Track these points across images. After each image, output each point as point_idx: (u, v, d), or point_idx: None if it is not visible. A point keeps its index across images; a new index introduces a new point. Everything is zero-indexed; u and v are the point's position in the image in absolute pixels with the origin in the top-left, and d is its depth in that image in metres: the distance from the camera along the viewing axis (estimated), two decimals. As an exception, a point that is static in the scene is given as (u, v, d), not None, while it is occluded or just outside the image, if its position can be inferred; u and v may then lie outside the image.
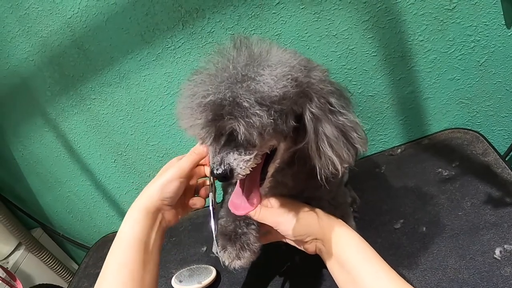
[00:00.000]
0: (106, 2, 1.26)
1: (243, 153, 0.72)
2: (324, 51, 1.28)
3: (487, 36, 1.22)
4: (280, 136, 0.75)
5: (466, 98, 1.37)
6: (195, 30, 1.29)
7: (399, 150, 1.47)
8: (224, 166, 0.71)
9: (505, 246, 1.02)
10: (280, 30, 1.26)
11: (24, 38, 1.40)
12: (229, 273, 1.31)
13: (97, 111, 1.55)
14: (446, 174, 1.27)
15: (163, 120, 1.53)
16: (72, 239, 2.16)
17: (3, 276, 1.81)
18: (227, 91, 0.67)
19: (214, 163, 0.73)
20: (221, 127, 0.68)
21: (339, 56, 1.29)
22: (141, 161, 1.67)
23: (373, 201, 1.30)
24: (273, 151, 0.80)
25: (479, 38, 1.23)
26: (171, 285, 1.34)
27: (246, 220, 0.95)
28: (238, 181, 0.83)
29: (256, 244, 0.95)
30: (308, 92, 0.73)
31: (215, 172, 0.72)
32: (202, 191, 1.05)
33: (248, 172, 0.74)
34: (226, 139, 0.72)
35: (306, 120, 0.75)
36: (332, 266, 0.88)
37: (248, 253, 0.93)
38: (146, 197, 0.94)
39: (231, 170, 0.72)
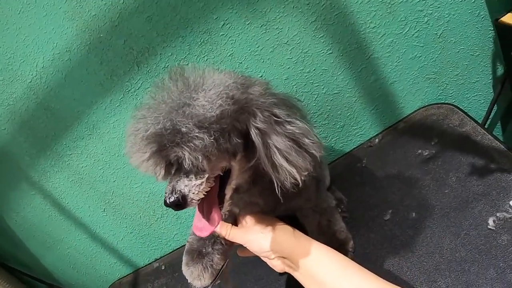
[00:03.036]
0: (60, 59, 1.26)
1: (193, 178, 0.72)
2: (279, 60, 1.28)
3: (438, 7, 1.22)
4: (227, 156, 0.75)
5: (433, 73, 1.37)
6: (150, 68, 1.29)
7: (377, 140, 1.46)
8: (175, 194, 0.71)
9: (498, 215, 1.01)
10: (232, 50, 1.25)
11: (-9, 108, 1.40)
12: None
13: (76, 166, 1.55)
14: (426, 154, 1.27)
15: (140, 161, 1.51)
16: (81, 293, 2.15)
17: None
18: (165, 120, 0.68)
19: (166, 193, 0.73)
20: (166, 156, 0.69)
21: (295, 62, 1.28)
22: (129, 205, 1.67)
23: (359, 197, 1.29)
24: (228, 173, 0.80)
25: (431, 11, 1.23)
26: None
27: (213, 238, 0.96)
28: (197, 206, 0.81)
29: (219, 266, 0.96)
30: (249, 108, 0.73)
31: (167, 201, 0.71)
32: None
33: (202, 196, 0.73)
34: (176, 168, 0.73)
35: (252, 136, 0.75)
36: (309, 284, 0.87)
37: (209, 274, 0.95)
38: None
39: (183, 197, 0.71)
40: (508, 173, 1.08)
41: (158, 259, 1.82)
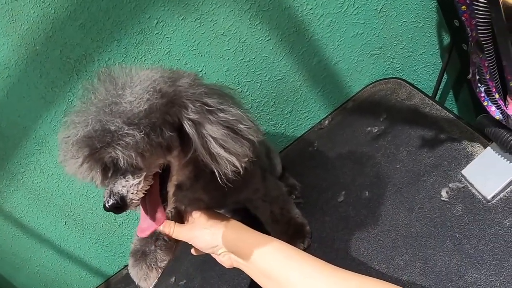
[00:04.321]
0: (0, 76, 1.21)
1: (130, 178, 0.69)
2: (218, 53, 1.24)
3: (376, -19, 1.17)
4: (162, 151, 0.71)
5: (377, 48, 1.33)
6: (89, 75, 1.24)
7: (327, 122, 1.43)
8: (114, 196, 0.68)
9: (450, 185, 0.97)
10: (168, 48, 1.21)
11: None
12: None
13: (31, 182, 1.49)
14: (376, 130, 1.23)
15: (93, 170, 1.47)
16: (58, 310, 2.09)
17: None
18: (94, 122, 0.65)
19: (104, 197, 0.69)
20: (100, 159, 0.66)
21: (234, 52, 1.24)
22: (89, 215, 1.62)
23: (313, 181, 1.26)
24: (168, 170, 0.76)
25: (368, -13, 1.18)
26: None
27: (154, 236, 0.93)
28: (141, 207, 0.77)
29: (164, 262, 0.93)
30: (179, 100, 0.71)
31: (106, 205, 0.68)
32: None
33: (142, 195, 0.71)
34: (112, 171, 0.69)
35: (186, 128, 0.72)
36: (259, 279, 0.83)
37: (154, 273, 0.92)
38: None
39: (122, 198, 0.68)
40: (458, 142, 1.05)
41: (126, 265, 1.77)
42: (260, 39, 1.23)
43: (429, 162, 1.05)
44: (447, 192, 0.97)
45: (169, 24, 1.17)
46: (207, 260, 1.29)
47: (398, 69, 1.39)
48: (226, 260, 0.88)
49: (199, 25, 1.18)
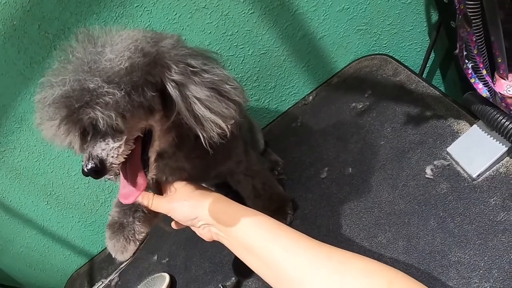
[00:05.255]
0: (-22, 53, 1.16)
1: (111, 141, 0.65)
2: (200, 26, 1.19)
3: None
4: (144, 112, 0.68)
5: (363, 24, 1.29)
6: (68, 50, 1.19)
7: (311, 98, 1.39)
8: (92, 159, 0.64)
9: (435, 163, 0.94)
10: (149, 21, 1.16)
11: None
12: (182, 274, 1.25)
13: (12, 161, 1.46)
14: (361, 106, 1.19)
15: (74, 148, 1.43)
16: (42, 290, 2.08)
17: None
18: (72, 81, 0.62)
19: (83, 161, 0.65)
20: (79, 121, 0.62)
21: (216, 26, 1.19)
22: (71, 194, 1.59)
23: (296, 157, 1.23)
24: (149, 135, 0.73)
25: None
26: (132, 304, 1.27)
27: (133, 207, 0.89)
28: (121, 173, 0.74)
29: (142, 235, 0.89)
30: (162, 61, 0.68)
31: (85, 169, 0.64)
32: None
33: (122, 160, 0.67)
34: (91, 135, 0.66)
35: (169, 90, 0.69)
36: (240, 252, 0.79)
37: (132, 245, 0.88)
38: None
39: (102, 162, 0.64)
40: (444, 119, 1.01)
41: (110, 245, 1.75)
42: (243, 12, 1.18)
43: (414, 139, 1.02)
44: (431, 170, 0.94)
45: (150, -3, 1.13)
46: (190, 237, 1.29)
47: (384, 45, 1.35)
48: (205, 232, 0.84)
49: (183, -1, 1.13)
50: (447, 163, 0.93)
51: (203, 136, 0.73)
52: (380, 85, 1.21)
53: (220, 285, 1.11)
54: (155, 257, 1.37)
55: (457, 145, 0.94)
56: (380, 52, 1.33)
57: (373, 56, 1.31)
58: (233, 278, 1.10)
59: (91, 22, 1.15)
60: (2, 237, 1.72)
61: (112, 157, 0.65)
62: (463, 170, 0.90)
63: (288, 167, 1.20)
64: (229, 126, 0.72)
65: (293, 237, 0.73)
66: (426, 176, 0.94)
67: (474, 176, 0.87)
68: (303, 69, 1.36)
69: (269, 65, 1.32)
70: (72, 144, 0.66)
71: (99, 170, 0.64)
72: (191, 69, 0.70)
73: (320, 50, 1.32)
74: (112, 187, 1.59)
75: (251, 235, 0.76)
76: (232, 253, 1.09)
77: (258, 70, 1.32)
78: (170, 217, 0.89)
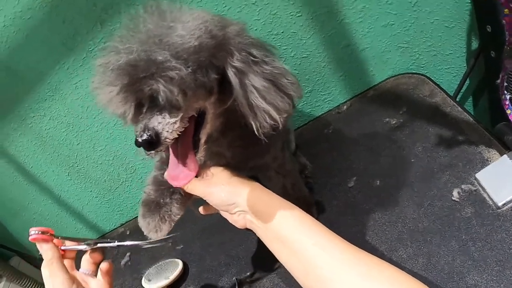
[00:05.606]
0: (22, 18, 1.18)
1: (167, 116, 0.66)
2: (247, 21, 1.18)
3: (415, -25, 1.15)
4: (204, 92, 0.69)
5: (405, 42, 1.30)
6: (113, 27, 1.21)
7: (345, 107, 1.41)
8: (148, 131, 0.64)
9: (463, 187, 0.96)
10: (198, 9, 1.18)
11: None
12: (196, 263, 1.27)
13: (39, 128, 1.48)
14: (394, 122, 1.21)
15: (104, 123, 1.46)
16: (50, 259, 2.09)
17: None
18: (140, 50, 0.62)
19: (137, 132, 0.66)
20: (139, 91, 0.63)
21: (263, 23, 1.21)
22: (93, 168, 1.61)
23: (325, 163, 1.24)
24: (202, 117, 0.74)
25: (406, -22, 1.15)
26: (142, 285, 1.29)
27: (171, 188, 0.90)
28: (171, 152, 0.75)
29: (177, 216, 0.90)
30: (226, 47, 0.69)
31: (139, 140, 0.64)
32: (97, 258, 0.90)
33: (176, 136, 0.67)
34: (147, 107, 0.66)
35: (230, 76, 0.70)
36: (271, 242, 0.80)
37: (167, 225, 0.88)
38: None
39: (157, 134, 0.65)
40: (475, 145, 1.03)
41: (123, 224, 1.78)
42: (291, 14, 1.20)
43: (444, 161, 1.04)
44: (458, 193, 0.96)
45: (200, -13, 1.14)
46: (207, 227, 1.31)
47: (423, 66, 1.37)
48: (240, 219, 0.85)
49: (233, -8, 1.15)
50: (474, 188, 0.95)
51: (256, 125, 0.74)
52: (415, 104, 1.23)
53: (234, 278, 1.12)
54: (170, 242, 1.39)
55: (486, 172, 0.95)
56: (418, 72, 1.34)
57: (411, 75, 1.33)
58: (249, 273, 1.12)
59: (140, 2, 1.13)
60: (18, 201, 1.74)
61: (167, 131, 0.65)
62: (489, 197, 0.92)
63: (316, 172, 1.22)
64: (281, 119, 0.74)
65: (327, 235, 0.75)
66: (453, 198, 0.95)
67: (499, 204, 0.89)
68: (341, 78, 1.38)
69: (309, 70, 1.33)
70: (126, 113, 0.67)
71: (153, 142, 0.64)
72: (252, 58, 0.71)
73: (360, 62, 1.34)
74: (135, 168, 1.61)
75: (287, 227, 0.77)
76: (249, 248, 1.11)
77: (297, 73, 1.33)
78: (198, 201, 0.90)
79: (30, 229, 0.82)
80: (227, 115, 0.78)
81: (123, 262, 1.48)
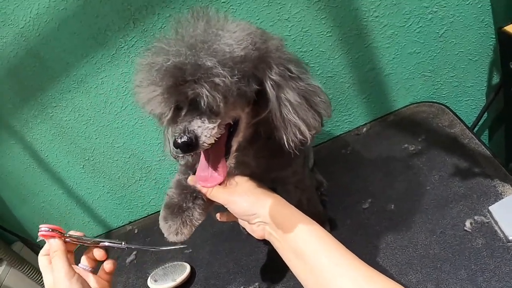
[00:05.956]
0: (56, 8, 1.21)
1: (206, 122, 0.68)
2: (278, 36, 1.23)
3: (444, 6, 1.19)
4: (243, 103, 0.72)
5: (429, 71, 1.33)
6: (146, 27, 1.24)
7: (364, 129, 1.43)
8: (188, 133, 0.66)
9: (476, 218, 0.98)
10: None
11: (-20, 53, 1.35)
12: (204, 268, 1.28)
13: (60, 119, 1.51)
14: (412, 149, 1.24)
15: (125, 121, 1.49)
16: (52, 249, 2.10)
17: (-14, 294, 1.78)
18: (188, 53, 0.64)
19: (176, 133, 0.67)
20: (182, 94, 0.65)
21: (293, 39, 1.24)
22: (109, 164, 1.63)
23: (341, 182, 1.27)
24: (236, 125, 0.76)
25: (436, 9, 1.19)
26: (147, 285, 1.31)
27: (194, 193, 0.91)
28: (202, 155, 0.78)
29: (199, 221, 0.92)
30: (267, 60, 0.71)
31: (178, 141, 0.66)
32: (99, 255, 0.93)
33: (213, 141, 0.69)
34: (187, 110, 0.68)
35: (267, 88, 0.73)
36: (287, 254, 0.83)
37: (188, 229, 0.90)
38: None
39: (196, 138, 0.67)
40: (490, 179, 1.05)
41: (132, 222, 1.80)
42: (322, 33, 1.23)
43: (459, 191, 1.07)
44: (471, 223, 0.98)
45: (238, -3, 1.18)
46: (216, 234, 1.33)
47: (443, 95, 1.40)
48: (259, 230, 0.86)
49: (267, 4, 1.18)
50: (487, 220, 0.97)
51: (286, 138, 0.76)
52: (434, 132, 1.26)
53: (242, 287, 1.14)
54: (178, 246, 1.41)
55: (499, 206, 0.97)
56: (438, 101, 1.37)
57: (431, 104, 1.36)
58: (257, 284, 1.13)
59: (175, 6, 1.19)
60: (28, 188, 1.77)
61: (205, 136, 0.67)
62: (501, 230, 0.94)
63: (331, 190, 1.24)
64: (310, 135, 0.76)
65: (343, 252, 0.77)
66: (465, 228, 0.97)
67: (510, 238, 0.91)
68: (363, 100, 1.40)
69: (333, 89, 1.36)
70: (164, 114, 0.68)
71: (192, 144, 0.66)
72: (289, 73, 0.73)
73: (383, 86, 1.37)
74: (151, 168, 1.64)
75: (305, 242, 0.79)
76: (259, 259, 1.13)
77: (322, 92, 1.36)
78: (217, 207, 0.93)
79: (41, 226, 0.86)
80: (256, 126, 0.80)
81: (128, 260, 1.49)
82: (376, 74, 1.34)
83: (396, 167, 1.22)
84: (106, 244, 0.92)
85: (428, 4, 1.18)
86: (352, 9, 1.19)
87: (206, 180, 0.76)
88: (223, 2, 1.18)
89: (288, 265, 0.83)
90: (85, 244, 0.91)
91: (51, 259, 0.85)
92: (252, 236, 1.05)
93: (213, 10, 0.72)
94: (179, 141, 0.66)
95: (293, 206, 0.87)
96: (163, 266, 1.35)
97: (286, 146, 0.77)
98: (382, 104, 1.43)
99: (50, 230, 0.86)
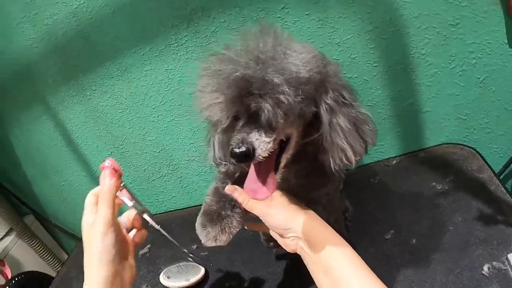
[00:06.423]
0: (112, -7, 1.25)
1: (263, 135, 0.71)
2: (326, 58, 1.27)
3: (489, 54, 1.22)
4: (300, 122, 0.75)
5: (464, 114, 1.37)
6: (199, 29, 1.28)
7: (394, 162, 1.47)
8: (246, 144, 0.69)
9: (494, 263, 1.01)
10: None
11: (29, 24, 1.39)
12: (218, 273, 1.31)
13: (97, 103, 1.54)
14: (440, 188, 1.27)
15: (161, 116, 1.52)
16: (63, 228, 2.15)
17: (-9, 260, 1.81)
18: (257, 67, 0.66)
19: (233, 142, 0.70)
20: (246, 105, 0.67)
21: (340, 63, 1.27)
22: (137, 155, 1.66)
23: (366, 210, 1.30)
24: (286, 142, 0.79)
25: (480, 55, 1.22)
26: (159, 280, 1.33)
27: (232, 201, 0.94)
28: (252, 168, 0.81)
29: (236, 230, 0.94)
30: (325, 83, 0.74)
31: (236, 150, 0.69)
32: (136, 223, 0.95)
33: (267, 155, 0.72)
34: (245, 121, 0.72)
35: (322, 111, 0.75)
36: (316, 270, 0.86)
37: (226, 237, 0.93)
38: (96, 269, 0.82)
39: (253, 149, 0.69)
40: (512, 228, 1.08)
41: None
42: (369, 62, 1.27)
43: (480, 235, 1.10)
44: (488, 268, 1.01)
45: (293, 14, 1.21)
46: (236, 243, 1.31)
47: (474, 140, 1.43)
48: (292, 244, 0.89)
49: (320, 26, 1.22)
50: (504, 268, 1.00)
51: (333, 161, 0.79)
52: (463, 175, 1.29)
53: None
54: (194, 246, 1.42)
55: (517, 255, 1.01)
56: (469, 145, 1.40)
57: (462, 147, 1.39)
58: (272, 298, 1.16)
59: (232, 13, 1.23)
60: (52, 165, 1.80)
61: (261, 149, 0.70)
62: (517, 279, 0.97)
63: (356, 216, 1.26)
64: (355, 161, 0.80)
65: (373, 279, 0.81)
66: (482, 272, 1.00)
67: (525, 288, 0.94)
68: (397, 133, 1.44)
69: (370, 118, 1.39)
70: (222, 121, 0.72)
71: (249, 155, 0.69)
72: (342, 100, 0.77)
73: (419, 123, 1.40)
74: (178, 166, 1.67)
75: (336, 261, 0.83)
76: (276, 272, 1.16)
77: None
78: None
79: (108, 159, 0.89)
80: (303, 145, 0.84)
81: (141, 252, 1.52)
82: (414, 110, 1.37)
83: (422, 203, 1.25)
84: (147, 216, 0.95)
85: (474, 49, 1.21)
86: (401, 44, 1.22)
87: (256, 192, 0.80)
88: (278, 17, 1.22)
89: (315, 279, 0.87)
90: (130, 204, 0.93)
91: (99, 201, 0.87)
92: (271, 249, 1.08)
93: (279, 27, 0.75)
94: (237, 150, 0.69)
95: (327, 224, 0.90)
96: (177, 264, 1.37)
97: (332, 168, 0.80)
98: (414, 140, 1.46)
99: (113, 168, 0.89)
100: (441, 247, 1.10)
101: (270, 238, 1.20)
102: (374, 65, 1.28)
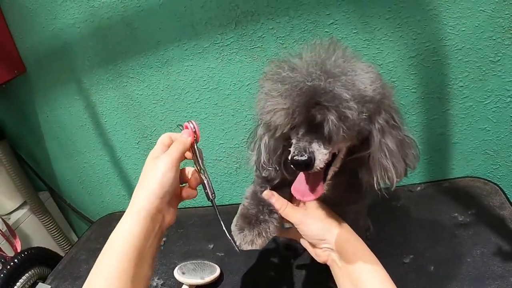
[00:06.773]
0: (163, -13, 1.28)
1: (322, 146, 0.73)
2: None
3: (524, 93, 1.24)
4: (356, 138, 0.77)
5: (492, 150, 1.39)
6: (246, 32, 1.31)
7: (418, 188, 1.49)
8: (308, 153, 0.71)
9: (507, 299, 1.03)
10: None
11: (74, 4, 1.43)
12: (233, 275, 1.33)
13: (132, 91, 1.57)
14: (461, 219, 1.29)
15: (196, 113, 1.55)
16: (77, 210, 2.18)
17: (3, 230, 1.83)
18: (328, 80, 0.68)
19: (296, 150, 0.72)
20: (311, 115, 0.69)
21: (380, 86, 1.29)
22: (164, 147, 1.68)
23: (386, 232, 1.32)
24: (334, 156, 0.81)
25: (516, 94, 1.25)
26: (173, 275, 1.35)
27: (270, 207, 0.95)
28: (302, 174, 0.84)
29: (273, 234, 0.95)
30: (379, 104, 0.76)
31: (298, 158, 0.71)
32: (193, 181, 0.97)
33: (323, 166, 0.74)
34: (306, 130, 0.74)
35: (374, 130, 0.77)
36: (344, 282, 0.88)
37: (262, 241, 0.93)
38: (144, 198, 0.84)
39: (314, 159, 0.72)
40: (529, 266, 1.11)
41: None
42: (407, 87, 1.30)
43: (497, 270, 1.12)
44: None
45: (341, 31, 1.25)
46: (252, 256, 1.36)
47: (499, 176, 1.45)
48: (324, 255, 0.92)
49: (366, 46, 1.25)
50: None
51: (376, 179, 0.81)
52: (485, 209, 1.31)
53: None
54: (211, 246, 1.46)
55: (531, 295, 1.03)
56: (494, 181, 1.42)
57: (487, 182, 1.41)
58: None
59: (280, 21, 1.26)
60: (76, 145, 1.84)
61: (319, 160, 0.72)
62: (529, 319, 0.99)
63: (376, 237, 1.27)
64: (396, 182, 0.82)
65: None
66: None
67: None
68: (424, 160, 1.46)
69: (399, 144, 1.42)
70: (281, 127, 0.74)
71: (310, 165, 0.72)
72: (393, 122, 0.79)
73: (447, 153, 1.43)
74: (204, 163, 1.67)
75: (367, 277, 0.85)
76: (292, 284, 1.19)
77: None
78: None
79: (192, 121, 0.95)
80: (348, 161, 0.86)
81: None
82: (444, 140, 1.40)
83: (442, 232, 1.27)
84: (206, 180, 0.97)
85: (511, 88, 1.24)
86: (441, 73, 1.25)
87: (303, 194, 0.83)
88: (325, 31, 1.25)
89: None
90: (196, 164, 0.97)
91: (173, 144, 0.91)
92: (289, 257, 1.10)
93: (344, 44, 0.78)
94: (299, 158, 0.72)
95: (361, 239, 0.93)
96: (192, 261, 1.39)
97: (375, 186, 0.83)
98: (440, 169, 1.48)
99: (194, 131, 0.95)
100: (458, 277, 1.13)
101: (289, 247, 1.22)
102: (412, 90, 1.31)
